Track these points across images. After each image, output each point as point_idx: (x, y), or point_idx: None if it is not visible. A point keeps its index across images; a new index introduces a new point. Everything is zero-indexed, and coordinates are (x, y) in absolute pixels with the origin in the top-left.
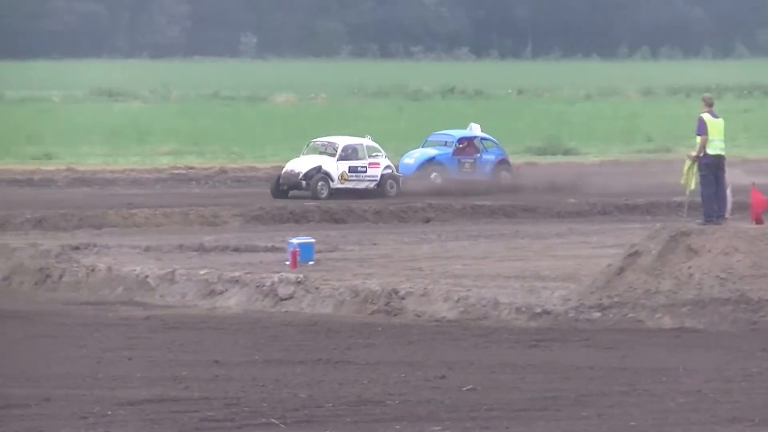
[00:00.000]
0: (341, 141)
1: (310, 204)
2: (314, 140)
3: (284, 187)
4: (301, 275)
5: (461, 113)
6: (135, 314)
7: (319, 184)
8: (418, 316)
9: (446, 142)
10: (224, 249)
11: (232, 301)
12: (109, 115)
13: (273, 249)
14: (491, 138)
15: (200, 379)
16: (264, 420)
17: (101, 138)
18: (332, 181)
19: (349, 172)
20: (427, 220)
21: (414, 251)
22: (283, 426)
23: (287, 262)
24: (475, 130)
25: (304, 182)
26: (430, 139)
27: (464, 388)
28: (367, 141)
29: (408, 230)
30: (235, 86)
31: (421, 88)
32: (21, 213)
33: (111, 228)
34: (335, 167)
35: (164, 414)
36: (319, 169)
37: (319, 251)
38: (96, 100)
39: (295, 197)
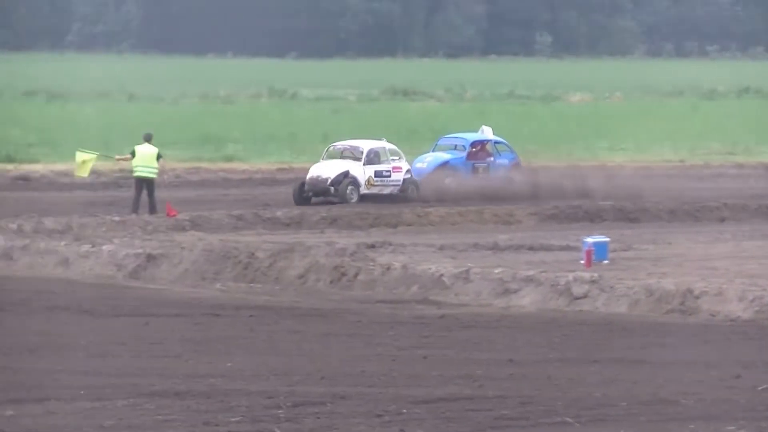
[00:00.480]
0: (365, 144)
1: (605, 203)
2: (334, 144)
3: (309, 193)
4: (596, 274)
5: (756, 112)
6: (430, 313)
7: (349, 189)
8: (713, 315)
9: (457, 145)
10: (519, 248)
11: (527, 300)
12: (404, 114)
13: (567, 248)
14: (504, 141)
15: (495, 378)
16: (558, 419)
17: (396, 137)
18: (360, 186)
19: (375, 177)
20: (722, 220)
21: (708, 250)
22: (577, 425)
23: (582, 261)
24: (487, 133)
25: (332, 188)
26: (440, 142)
27: (760, 388)
28: (387, 144)
29: (702, 229)
30: (530, 85)
31: (716, 88)
32: (316, 211)
33: (406, 227)
34: (362, 172)
35: (459, 412)
36: (346, 174)
37: (614, 250)
38: (391, 98)
39: (317, 204)
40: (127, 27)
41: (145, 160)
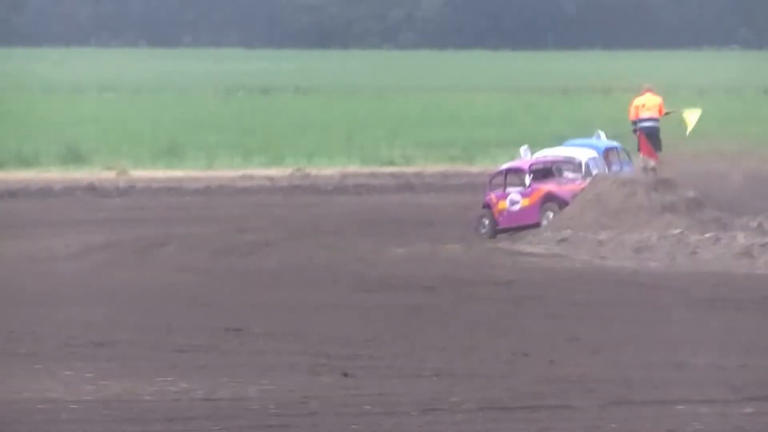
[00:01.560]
0: (582, 155)
1: None
2: (543, 156)
3: None
4: None
5: None
6: None
7: None
8: None
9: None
10: None
11: None
12: None
13: None
14: (622, 147)
15: None
16: None
17: None
18: None
19: None
20: None
21: None
22: None
23: None
24: (603, 138)
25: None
26: None
27: None
28: (592, 153)
29: None
30: None
31: None
32: None
33: None
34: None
35: None
36: None
37: None
38: None
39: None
40: None
41: None
